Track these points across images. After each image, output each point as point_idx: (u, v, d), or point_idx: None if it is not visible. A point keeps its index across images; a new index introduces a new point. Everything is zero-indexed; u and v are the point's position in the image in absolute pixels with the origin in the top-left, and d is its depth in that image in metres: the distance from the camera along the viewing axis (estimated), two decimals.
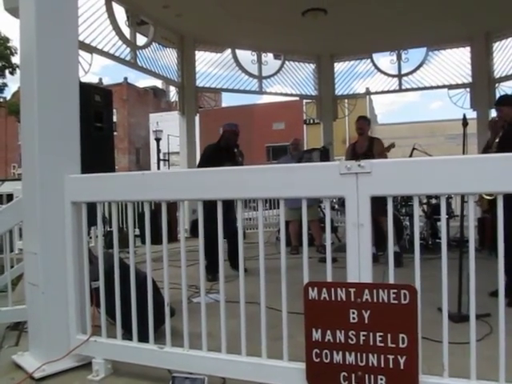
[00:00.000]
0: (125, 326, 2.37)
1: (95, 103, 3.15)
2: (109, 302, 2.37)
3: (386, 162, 1.80)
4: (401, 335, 1.66)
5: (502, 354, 1.63)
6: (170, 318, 2.32)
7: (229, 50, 9.21)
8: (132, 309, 2.27)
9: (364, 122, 5.58)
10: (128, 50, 7.26)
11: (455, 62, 9.21)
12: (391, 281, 1.75)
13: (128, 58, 7.30)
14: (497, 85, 8.60)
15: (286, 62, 9.78)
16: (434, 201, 6.41)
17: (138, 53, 7.49)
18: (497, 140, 3.70)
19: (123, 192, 2.29)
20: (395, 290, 1.67)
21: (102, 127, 3.22)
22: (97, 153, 3.07)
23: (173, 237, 2.28)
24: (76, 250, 2.39)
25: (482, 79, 8.61)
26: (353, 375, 1.73)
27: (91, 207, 2.42)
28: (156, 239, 2.35)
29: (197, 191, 2.12)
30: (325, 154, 6.55)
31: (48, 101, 2.38)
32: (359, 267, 1.74)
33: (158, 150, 27.25)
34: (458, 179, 1.59)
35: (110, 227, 5.51)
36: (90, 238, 5.54)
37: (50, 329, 2.39)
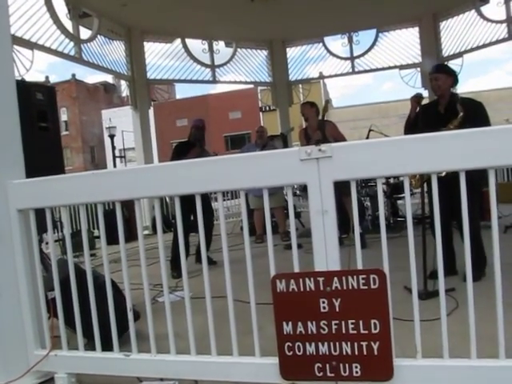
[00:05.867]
0: (87, 335, 2.25)
1: (37, 102, 2.94)
2: (68, 311, 2.23)
3: (347, 145, 1.76)
4: (373, 321, 1.64)
5: (473, 330, 1.63)
6: (136, 321, 2.21)
7: (178, 40, 8.99)
8: (92, 316, 2.15)
9: (306, 107, 5.54)
10: (72, 44, 6.94)
11: (405, 43, 9.41)
12: (359, 266, 1.71)
13: (72, 53, 6.98)
14: (445, 63, 8.82)
15: (238, 50, 9.67)
16: (392, 180, 6.52)
17: (82, 47, 7.18)
18: (442, 111, 3.62)
19: (73, 194, 2.13)
20: (364, 276, 1.64)
21: (47, 127, 3.02)
22: (44, 154, 2.89)
23: (133, 235, 2.17)
24: (27, 260, 2.23)
25: (431, 58, 8.80)
26: (327, 365, 1.70)
27: (42, 213, 2.26)
28: (115, 239, 2.22)
29: (152, 188, 2.01)
30: (283, 141, 6.54)
31: None
32: (326, 255, 1.70)
33: (113, 147, 26.50)
34: (421, 158, 1.57)
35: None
36: (47, 243, 5.31)
37: (5, 347, 2.23)
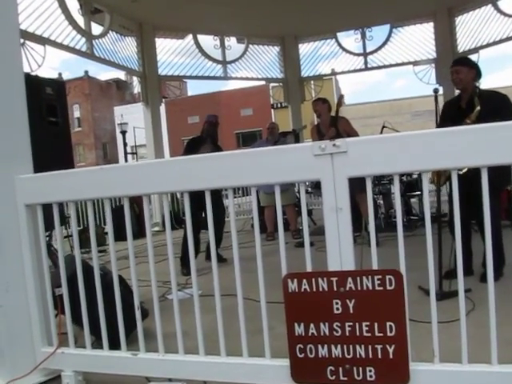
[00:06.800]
0: (95, 333, 2.21)
1: (47, 96, 2.91)
2: (76, 308, 2.19)
3: (363, 140, 1.68)
4: (388, 323, 1.57)
5: (494, 334, 1.55)
6: (144, 319, 2.17)
7: (190, 36, 8.94)
8: (100, 314, 2.11)
9: (318, 103, 5.46)
10: (83, 40, 6.93)
11: (419, 39, 9.25)
12: (374, 266, 1.64)
13: (84, 49, 6.97)
14: None
15: (250, 46, 9.60)
16: (405, 178, 6.41)
17: (94, 43, 7.17)
18: (464, 106, 3.49)
19: (81, 190, 2.09)
20: (380, 276, 1.57)
21: (56, 121, 2.99)
22: (53, 149, 2.86)
23: (144, 231, 2.13)
24: (35, 255, 2.20)
25: (447, 54, 8.64)
26: (340, 368, 1.63)
27: (51, 209, 2.22)
28: (126, 235, 2.17)
29: (161, 184, 1.96)
30: (295, 138, 6.48)
31: None
32: (340, 254, 1.63)
33: (125, 144, 26.57)
34: (441, 153, 1.49)
35: (79, 226, 5.31)
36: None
37: (12, 344, 2.20)
